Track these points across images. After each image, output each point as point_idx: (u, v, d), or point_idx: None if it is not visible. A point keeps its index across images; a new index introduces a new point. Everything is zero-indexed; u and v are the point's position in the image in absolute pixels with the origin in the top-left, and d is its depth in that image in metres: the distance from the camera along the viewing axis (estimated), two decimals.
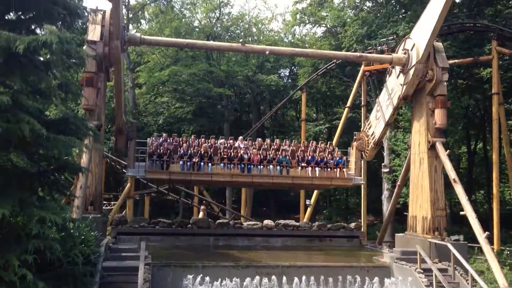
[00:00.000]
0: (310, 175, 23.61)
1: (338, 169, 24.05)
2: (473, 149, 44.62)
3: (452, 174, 19.96)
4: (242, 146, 24.18)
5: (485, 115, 38.61)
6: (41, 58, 11.40)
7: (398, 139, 34.12)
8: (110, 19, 19.60)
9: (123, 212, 29.97)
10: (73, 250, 11.10)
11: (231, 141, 24.72)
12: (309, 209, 33.76)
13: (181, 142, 23.71)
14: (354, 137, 26.04)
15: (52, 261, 10.52)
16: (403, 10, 36.33)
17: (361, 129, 26.56)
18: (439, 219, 20.90)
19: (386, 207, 30.90)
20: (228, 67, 44.71)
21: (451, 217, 33.98)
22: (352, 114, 39.24)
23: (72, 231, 11.89)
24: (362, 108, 34.77)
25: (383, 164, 35.72)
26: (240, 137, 25.50)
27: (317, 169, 23.75)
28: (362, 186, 31.64)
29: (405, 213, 21.85)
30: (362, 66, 33.31)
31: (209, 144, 23.66)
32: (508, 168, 31.46)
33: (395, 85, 23.23)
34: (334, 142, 34.98)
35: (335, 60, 34.74)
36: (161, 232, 22.15)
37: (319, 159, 24.03)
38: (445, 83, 21.88)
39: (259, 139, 26.04)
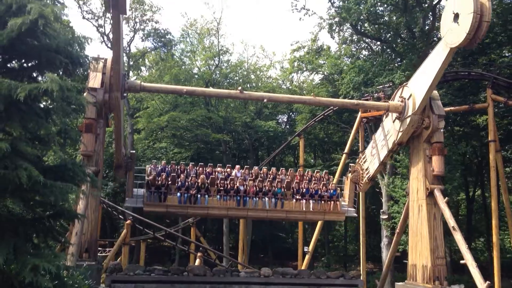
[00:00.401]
0: (304, 208, 23.90)
1: (332, 202, 24.24)
2: (472, 196, 44.49)
3: (451, 221, 19.82)
4: (238, 174, 24.55)
5: (483, 162, 38.75)
6: (41, 105, 11.52)
7: (396, 186, 34.05)
8: (111, 67, 19.96)
9: (118, 259, 29.49)
10: None
11: (228, 169, 25.07)
12: (307, 256, 33.23)
13: (179, 171, 23.99)
14: (349, 168, 26.18)
15: None
16: (399, 59, 37.11)
17: (356, 161, 26.76)
18: (439, 268, 20.58)
19: (386, 255, 30.47)
20: (227, 113, 45.21)
21: (451, 265, 33.47)
22: (350, 160, 39.24)
23: (66, 279, 11.60)
24: (360, 155, 34.85)
25: (381, 210, 35.50)
26: (237, 166, 25.71)
27: (311, 201, 24.04)
28: (361, 233, 31.33)
29: (404, 261, 21.54)
30: (359, 113, 33.67)
31: (206, 172, 24.08)
32: (507, 215, 31.25)
33: (391, 128, 23.39)
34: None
35: (332, 107, 35.12)
36: (157, 280, 21.66)
37: (314, 191, 24.29)
38: (441, 130, 22.08)
39: (256, 167, 26.34)
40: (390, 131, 23.52)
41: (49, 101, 11.54)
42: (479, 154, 39.01)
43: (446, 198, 21.34)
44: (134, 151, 26.61)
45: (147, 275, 21.96)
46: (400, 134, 22.31)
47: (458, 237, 19.46)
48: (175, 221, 42.70)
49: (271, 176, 25.00)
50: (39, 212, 11.50)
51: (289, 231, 51.86)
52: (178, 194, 22.71)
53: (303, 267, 31.62)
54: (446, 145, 24.60)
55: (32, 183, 9.81)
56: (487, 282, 17.75)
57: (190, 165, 25.19)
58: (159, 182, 22.80)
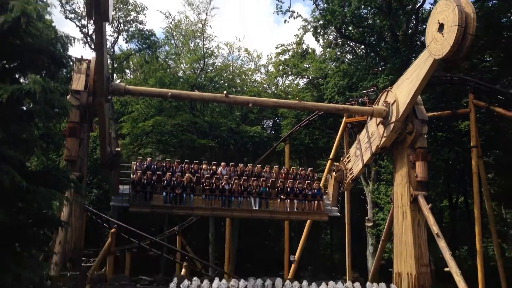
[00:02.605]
0: (288, 208, 24.34)
1: (316, 202, 24.61)
2: (455, 202, 44.79)
3: (435, 228, 19.92)
4: (224, 172, 24.78)
5: (465, 168, 39.07)
6: (24, 108, 11.27)
7: (380, 192, 34.16)
8: (95, 69, 19.62)
9: (103, 269, 28.99)
10: None
11: (214, 167, 25.22)
12: (293, 265, 33.06)
13: (164, 168, 24.11)
14: (333, 167, 26.28)
15: None
16: (383, 63, 37.34)
17: (341, 159, 26.86)
18: (424, 276, 20.65)
19: (371, 263, 30.52)
20: (212, 118, 45.00)
21: (435, 273, 33.56)
22: (334, 168, 39.38)
23: None
24: (344, 154, 34.92)
25: (366, 218, 35.56)
26: (223, 163, 25.61)
27: (295, 201, 24.45)
28: (346, 241, 31.34)
29: (390, 269, 21.56)
30: (344, 118, 33.73)
31: (192, 170, 24.26)
32: (490, 222, 31.50)
33: (375, 131, 23.44)
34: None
35: (317, 112, 35.18)
36: None
37: (298, 190, 24.64)
38: (425, 136, 22.22)
39: (241, 164, 26.36)
40: (374, 134, 23.59)
41: (31, 104, 11.31)
42: (462, 160, 39.31)
43: (430, 204, 21.45)
44: (119, 149, 26.30)
45: (132, 285, 21.78)
46: (383, 139, 22.41)
47: (442, 244, 19.55)
48: (161, 229, 42.29)
49: (256, 173, 25.36)
50: (22, 219, 11.23)
51: (275, 240, 51.64)
52: (164, 193, 22.84)
53: (289, 276, 31.47)
54: (429, 151, 24.73)
55: (15, 189, 9.58)
56: None
57: (176, 162, 25.12)
58: (145, 181, 22.86)
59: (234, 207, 23.67)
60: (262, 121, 52.86)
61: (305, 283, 19.38)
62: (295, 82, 54.13)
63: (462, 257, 43.96)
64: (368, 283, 19.46)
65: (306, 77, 48.60)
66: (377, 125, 23.09)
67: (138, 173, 23.17)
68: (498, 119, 34.44)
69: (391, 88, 22.81)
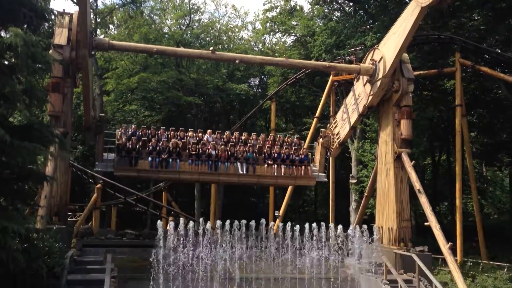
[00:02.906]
0: (275, 173, 24.14)
1: (303, 167, 24.52)
2: (437, 160, 45.64)
3: (417, 184, 20.32)
4: (210, 139, 24.52)
5: (449, 127, 39.60)
6: (6, 62, 11.06)
7: (365, 150, 34.56)
8: (78, 23, 19.17)
9: (89, 224, 29.22)
10: (37, 262, 10.71)
11: (200, 134, 24.99)
12: (277, 221, 33.73)
13: (150, 135, 23.80)
14: (320, 133, 26.40)
15: (15, 273, 10.14)
16: (371, 21, 37.00)
17: (328, 126, 26.96)
18: (404, 230, 21.22)
19: (354, 219, 31.18)
20: (198, 75, 44.49)
21: (416, 228, 34.52)
22: (321, 125, 39.50)
23: (36, 242, 11.50)
24: (331, 119, 35.05)
25: (350, 175, 36.08)
26: (209, 130, 25.64)
27: (282, 166, 24.29)
28: (330, 197, 31.94)
29: (371, 224, 22.10)
30: (331, 76, 33.68)
31: (178, 137, 23.97)
32: (470, 179, 32.25)
33: (362, 92, 23.54)
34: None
35: (304, 70, 35.02)
36: (128, 244, 21.71)
37: (285, 156, 24.53)
38: (410, 94, 22.35)
39: (227, 132, 26.27)
40: (361, 94, 23.66)
41: (13, 58, 11.11)
42: (446, 119, 39.81)
43: (413, 161, 21.82)
44: (103, 114, 26.03)
45: (119, 239, 21.99)
46: (370, 97, 22.49)
47: (423, 199, 19.99)
48: (147, 185, 42.50)
49: (243, 140, 25.03)
50: (6, 174, 11.22)
51: (260, 196, 52.29)
52: (149, 158, 22.50)
53: (274, 231, 32.04)
54: (414, 109, 24.94)
55: None
56: (450, 243, 18.40)
57: (161, 129, 24.90)
58: (130, 146, 22.48)
59: (221, 172, 23.42)
60: (248, 79, 52.53)
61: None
62: (282, 40, 53.61)
63: (442, 212, 45.25)
64: (351, 226, 19.89)
65: (294, 34, 48.08)
66: (364, 84, 23.15)
67: (123, 138, 22.84)
68: (483, 78, 34.73)
69: (377, 46, 22.75)
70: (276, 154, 24.45)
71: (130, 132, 23.76)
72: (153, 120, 46.90)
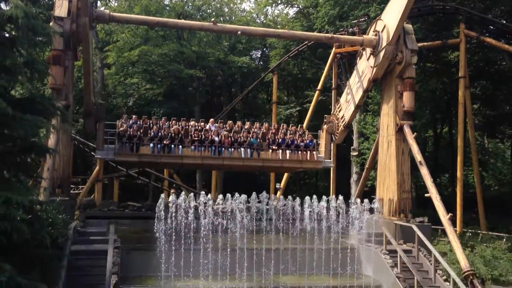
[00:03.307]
0: (280, 157, 23.64)
1: (308, 152, 24.18)
2: (439, 133, 45.61)
3: (418, 156, 20.44)
4: (213, 128, 23.94)
5: (452, 99, 39.40)
6: (6, 34, 11.02)
7: (367, 122, 34.54)
8: None
9: (92, 196, 29.53)
10: (41, 233, 10.89)
11: (202, 123, 24.48)
12: (279, 193, 33.99)
13: (151, 125, 23.22)
14: (325, 120, 26.23)
15: (19, 244, 10.32)
16: None
17: (332, 112, 26.74)
18: (405, 201, 21.44)
19: (355, 190, 31.40)
20: (200, 48, 44.12)
21: (416, 200, 34.76)
22: (323, 97, 39.42)
23: (39, 213, 11.66)
24: (333, 91, 34.95)
25: (352, 147, 36.14)
26: (211, 119, 25.32)
27: (287, 151, 23.80)
28: (332, 169, 31.99)
29: (372, 196, 22.28)
30: (333, 48, 33.37)
31: (180, 126, 23.32)
32: (472, 151, 32.31)
33: (365, 67, 23.45)
34: (304, 125, 35.08)
35: (306, 42, 34.72)
36: (131, 216, 22.00)
37: (290, 141, 24.12)
38: (414, 66, 22.24)
39: (230, 121, 25.94)
40: (364, 70, 23.56)
41: (13, 31, 11.08)
42: (449, 91, 39.59)
43: (415, 133, 21.89)
44: (104, 102, 25.64)
45: (121, 211, 22.27)
46: (375, 69, 22.36)
47: (424, 171, 20.14)
48: None
49: (246, 129, 24.40)
50: (8, 146, 11.31)
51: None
52: (151, 144, 21.93)
53: (275, 204, 32.26)
54: (417, 81, 24.82)
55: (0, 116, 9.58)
56: (449, 214, 18.61)
57: (163, 119, 24.25)
58: (131, 133, 21.96)
59: (225, 156, 22.79)
60: (250, 51, 52.03)
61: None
62: (285, 11, 53.10)
63: (442, 184, 45.46)
64: (352, 199, 20.00)
65: (296, 6, 47.45)
66: (368, 58, 23.04)
67: (124, 126, 22.30)
68: (487, 50, 34.38)
69: (380, 17, 22.56)
70: (280, 140, 23.99)
71: (130, 122, 23.17)
72: (154, 93, 46.78)
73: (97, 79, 41.82)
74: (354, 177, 35.45)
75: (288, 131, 25.10)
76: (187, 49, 42.85)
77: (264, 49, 52.03)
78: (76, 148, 32.90)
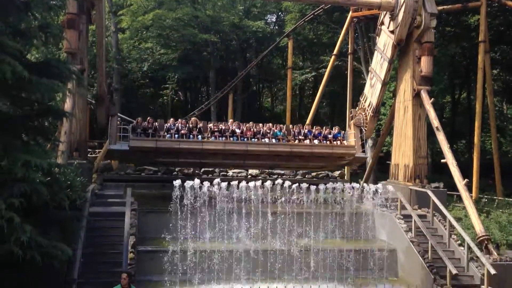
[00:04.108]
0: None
1: (338, 141, 23.78)
2: (457, 98, 44.91)
3: (435, 122, 20.21)
4: (233, 127, 23.31)
5: (471, 64, 38.59)
6: None
7: None
8: None
9: (108, 160, 29.76)
10: (59, 195, 11.10)
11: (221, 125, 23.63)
12: None
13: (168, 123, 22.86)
14: (350, 115, 25.69)
15: (39, 205, 10.55)
16: None
17: (357, 108, 25.87)
18: (420, 167, 21.33)
19: (370, 156, 31.32)
20: (214, 12, 43.58)
21: (432, 166, 34.59)
22: (339, 62, 38.85)
23: (58, 176, 11.85)
24: (349, 56, 34.45)
25: None
26: (231, 120, 24.84)
27: (315, 141, 23.33)
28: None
29: (387, 161, 22.19)
30: (350, 12, 32.70)
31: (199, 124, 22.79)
32: (490, 117, 31.83)
33: (386, 39, 22.95)
34: (319, 90, 34.91)
35: (322, 6, 34.02)
36: (147, 179, 22.25)
37: (317, 132, 23.76)
38: (432, 30, 21.74)
39: (251, 122, 24.43)
40: (386, 42, 23.07)
41: None
42: (468, 56, 38.74)
43: (432, 99, 21.57)
44: (116, 97, 25.17)
45: (138, 174, 22.52)
46: (397, 30, 21.67)
47: (441, 137, 19.94)
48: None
49: (265, 131, 23.47)
50: (26, 110, 11.42)
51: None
52: (168, 135, 21.63)
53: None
54: (435, 46, 24.25)
55: (16, 79, 9.62)
56: (465, 179, 18.49)
57: (179, 120, 23.86)
58: (146, 125, 21.84)
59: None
60: (265, 16, 51.25)
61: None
62: None
63: (459, 150, 45.09)
64: (364, 185, 19.64)
65: None
66: (388, 26, 22.50)
67: (139, 119, 22.15)
68: (509, 13, 33.41)
69: None
70: (306, 130, 23.57)
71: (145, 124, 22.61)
72: (168, 58, 46.57)
73: (112, 44, 41.71)
74: (369, 142, 35.22)
75: (314, 129, 24.51)
76: (202, 13, 42.37)
77: (279, 13, 51.15)
78: (92, 113, 33.10)
